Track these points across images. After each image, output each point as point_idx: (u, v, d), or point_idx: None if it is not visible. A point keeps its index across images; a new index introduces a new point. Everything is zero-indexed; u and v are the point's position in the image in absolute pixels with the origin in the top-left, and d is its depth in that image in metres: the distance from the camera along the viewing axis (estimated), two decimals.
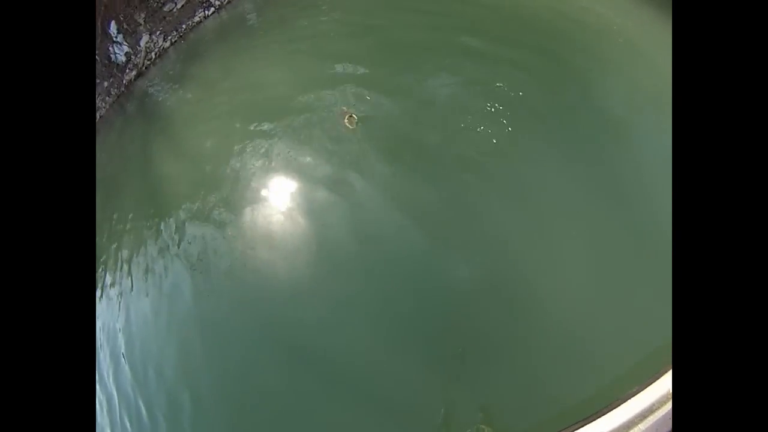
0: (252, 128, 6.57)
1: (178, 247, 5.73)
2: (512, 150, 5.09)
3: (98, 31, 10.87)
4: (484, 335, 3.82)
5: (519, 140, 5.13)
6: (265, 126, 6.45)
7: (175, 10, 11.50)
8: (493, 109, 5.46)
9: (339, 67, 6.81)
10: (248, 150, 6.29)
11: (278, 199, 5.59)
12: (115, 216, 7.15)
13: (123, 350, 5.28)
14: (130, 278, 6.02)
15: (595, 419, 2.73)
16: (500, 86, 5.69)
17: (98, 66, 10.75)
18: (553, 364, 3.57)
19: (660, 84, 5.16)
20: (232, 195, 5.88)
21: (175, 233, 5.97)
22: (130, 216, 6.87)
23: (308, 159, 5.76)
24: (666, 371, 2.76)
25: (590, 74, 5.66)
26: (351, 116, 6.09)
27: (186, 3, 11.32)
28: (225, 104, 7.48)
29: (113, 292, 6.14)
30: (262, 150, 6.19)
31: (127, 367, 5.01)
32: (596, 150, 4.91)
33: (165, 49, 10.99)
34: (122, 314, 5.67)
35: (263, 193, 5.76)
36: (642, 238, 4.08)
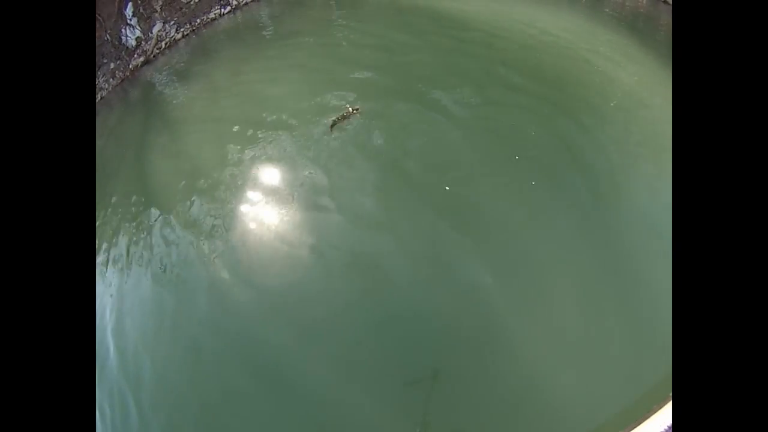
0: (249, 136, 6.69)
1: (151, 251, 5.78)
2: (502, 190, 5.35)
3: (114, 10, 10.93)
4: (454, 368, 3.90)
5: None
6: (262, 137, 6.59)
7: (192, 2, 11.64)
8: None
9: (344, 90, 7.01)
10: (240, 158, 6.42)
11: (261, 211, 5.72)
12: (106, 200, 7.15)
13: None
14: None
15: None
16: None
17: (107, 46, 10.76)
18: (516, 408, 3.64)
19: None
20: (219, 201, 5.97)
21: (156, 229, 6.03)
22: (118, 205, 6.87)
23: (296, 175, 5.94)
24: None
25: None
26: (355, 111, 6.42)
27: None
28: (227, 108, 7.58)
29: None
30: (254, 160, 6.34)
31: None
32: (589, 200, 5.12)
33: (176, 41, 11.08)
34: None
35: (245, 205, 5.87)
36: (626, 292, 4.21)
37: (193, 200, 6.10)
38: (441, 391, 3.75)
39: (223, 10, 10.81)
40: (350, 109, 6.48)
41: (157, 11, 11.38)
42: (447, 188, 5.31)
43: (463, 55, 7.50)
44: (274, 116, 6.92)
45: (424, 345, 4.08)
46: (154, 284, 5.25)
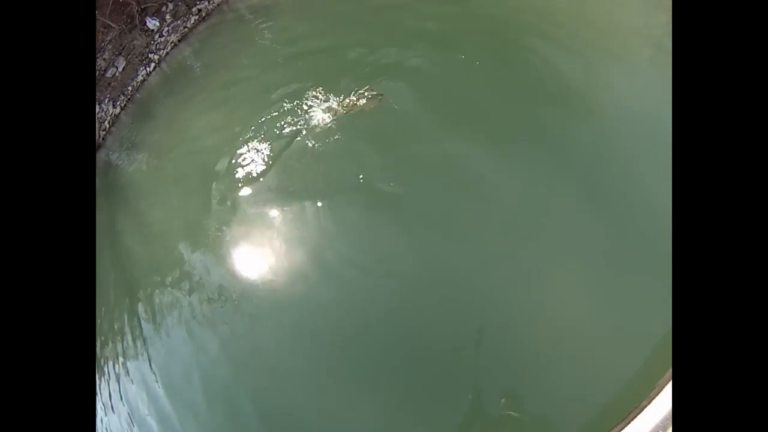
0: (209, 189, 6.53)
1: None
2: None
3: None
4: None
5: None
6: (222, 187, 6.44)
7: (117, 74, 11.23)
8: None
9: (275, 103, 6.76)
10: (207, 220, 6.25)
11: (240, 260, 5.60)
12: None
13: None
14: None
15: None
16: None
17: None
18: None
19: None
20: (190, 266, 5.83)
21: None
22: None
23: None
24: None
25: None
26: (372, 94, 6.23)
27: (127, 65, 11.07)
28: (183, 166, 7.32)
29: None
30: (222, 216, 6.15)
31: None
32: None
33: (117, 116, 10.72)
34: None
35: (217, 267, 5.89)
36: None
37: (165, 275, 6.01)
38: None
39: (147, 68, 10.38)
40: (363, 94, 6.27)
41: None
42: None
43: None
44: (227, 160, 6.67)
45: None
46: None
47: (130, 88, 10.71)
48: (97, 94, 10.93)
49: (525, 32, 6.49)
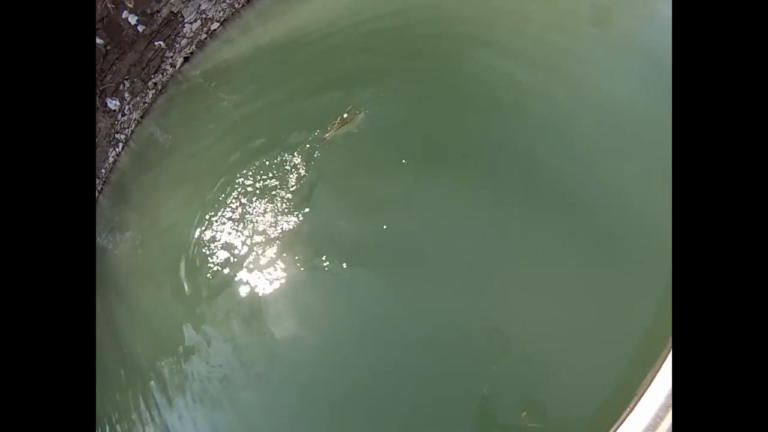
0: (196, 270, 6.56)
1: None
2: None
3: None
4: None
5: None
6: (210, 265, 6.46)
7: None
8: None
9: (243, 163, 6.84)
10: (198, 299, 6.26)
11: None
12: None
13: None
14: None
15: None
16: None
17: None
18: None
19: None
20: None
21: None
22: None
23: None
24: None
25: None
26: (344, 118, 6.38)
27: (96, 148, 11.17)
28: (158, 244, 7.40)
29: None
30: (212, 295, 6.19)
31: None
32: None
33: (96, 201, 10.79)
34: None
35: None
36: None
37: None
38: None
39: (116, 149, 10.47)
40: (343, 116, 6.46)
41: None
42: None
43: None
44: (203, 230, 6.71)
45: None
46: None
47: (103, 171, 10.78)
48: None
49: (464, 45, 6.61)
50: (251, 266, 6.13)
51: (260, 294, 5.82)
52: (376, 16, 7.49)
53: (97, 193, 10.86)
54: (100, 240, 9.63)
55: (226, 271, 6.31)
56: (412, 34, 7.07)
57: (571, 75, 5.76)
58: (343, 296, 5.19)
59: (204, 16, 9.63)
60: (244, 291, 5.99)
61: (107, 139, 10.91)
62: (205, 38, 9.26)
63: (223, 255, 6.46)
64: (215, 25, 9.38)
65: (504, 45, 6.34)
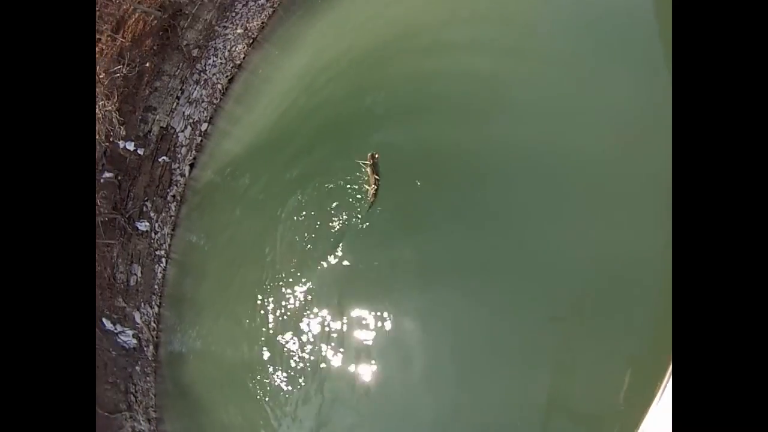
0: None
1: None
2: None
3: (97, 332, 11.54)
4: None
5: None
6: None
7: (139, 279, 12.19)
8: None
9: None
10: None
11: None
12: None
13: None
14: None
15: None
16: None
17: (119, 361, 11.29)
18: None
19: None
20: None
21: None
22: None
23: None
24: None
25: None
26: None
27: (143, 269, 12.03)
28: (225, 347, 8.04)
29: None
30: None
31: None
32: None
33: (158, 314, 11.59)
34: None
35: None
36: None
37: None
38: None
39: (161, 265, 11.25)
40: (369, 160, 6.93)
41: (124, 305, 11.98)
42: None
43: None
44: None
45: None
46: None
47: (156, 287, 11.63)
48: (131, 302, 11.88)
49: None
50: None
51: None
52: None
53: (157, 308, 11.71)
54: (172, 348, 10.39)
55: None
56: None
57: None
58: None
59: (191, 120, 10.36)
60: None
61: (150, 258, 11.77)
62: (201, 140, 9.96)
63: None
64: (205, 126, 10.09)
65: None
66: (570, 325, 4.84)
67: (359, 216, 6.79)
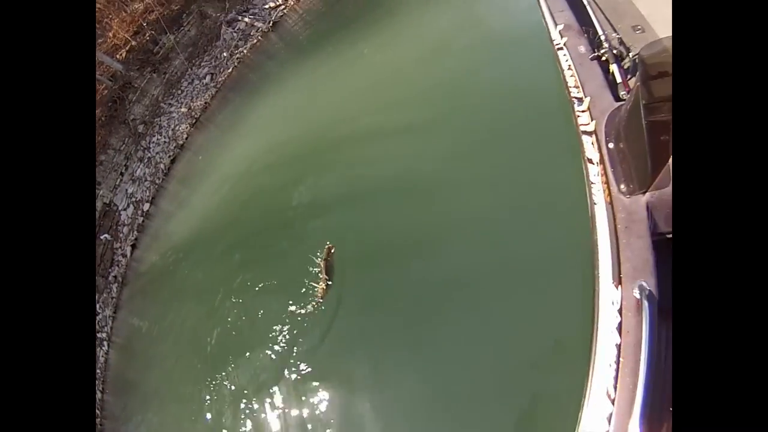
0: None
1: None
2: None
3: None
4: None
5: None
6: None
7: None
8: None
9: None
10: None
11: None
12: None
13: None
14: None
15: None
16: None
17: None
18: None
19: None
20: None
21: None
22: None
23: None
24: None
25: None
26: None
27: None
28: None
29: None
30: None
31: None
32: None
33: (101, 401, 10.87)
34: None
35: None
36: None
37: None
38: None
39: (103, 348, 10.70)
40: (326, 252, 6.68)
41: None
42: None
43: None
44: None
45: None
46: None
47: (99, 371, 10.96)
48: None
49: None
50: None
51: None
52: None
53: (100, 393, 10.99)
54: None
55: None
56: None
57: None
58: None
59: (134, 199, 10.25)
60: None
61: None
62: (143, 220, 9.82)
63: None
64: (147, 206, 9.99)
65: None
66: None
67: (303, 310, 6.71)
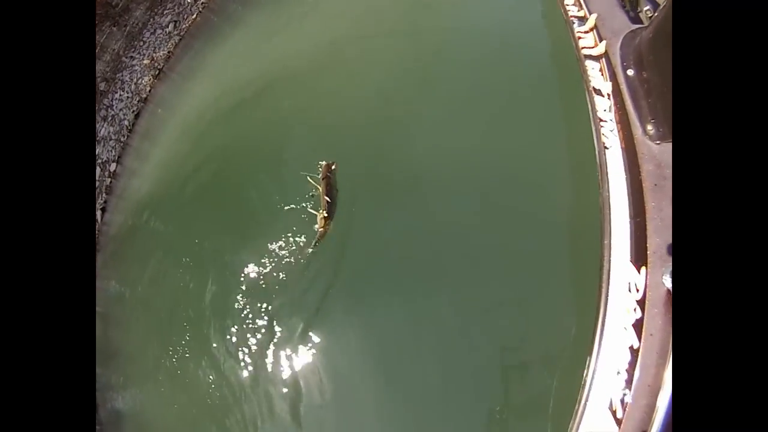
0: None
1: None
2: None
3: None
4: None
5: None
6: None
7: None
8: None
9: None
10: None
11: None
12: None
13: None
14: None
15: None
16: None
17: None
18: None
19: None
20: None
21: None
22: None
23: None
24: None
25: None
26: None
27: None
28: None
29: None
30: None
31: None
32: None
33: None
34: None
35: None
36: None
37: None
38: None
39: None
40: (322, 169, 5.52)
41: None
42: None
43: None
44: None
45: None
46: None
47: None
48: None
49: None
50: None
51: None
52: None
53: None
54: (112, 407, 9.52)
55: None
56: None
57: None
58: None
59: (99, 160, 9.62)
60: None
61: None
62: (111, 181, 9.24)
63: None
64: (113, 166, 9.38)
65: None
66: None
67: (299, 254, 5.99)
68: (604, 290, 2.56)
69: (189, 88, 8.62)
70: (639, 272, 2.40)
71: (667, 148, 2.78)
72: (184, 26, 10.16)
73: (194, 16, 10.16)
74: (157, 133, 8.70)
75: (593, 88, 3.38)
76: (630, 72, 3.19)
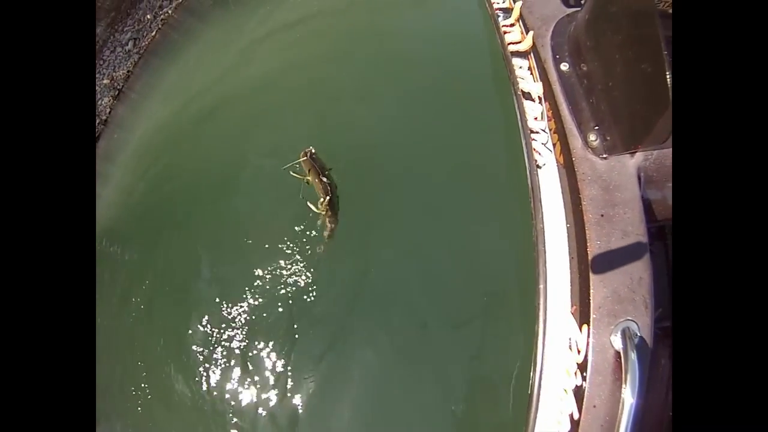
0: None
1: None
2: None
3: None
4: None
5: None
6: None
7: None
8: None
9: None
10: None
11: None
12: None
13: None
14: None
15: None
16: None
17: None
18: None
19: None
20: None
21: None
22: None
23: None
24: None
25: None
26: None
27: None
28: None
29: None
30: None
31: None
32: None
33: None
34: None
35: None
36: None
37: None
38: None
39: None
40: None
41: None
42: None
43: None
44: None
45: None
46: None
47: None
48: None
49: None
50: None
51: None
52: None
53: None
54: None
55: None
56: None
57: None
58: None
59: None
60: None
61: None
62: None
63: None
64: None
65: None
66: None
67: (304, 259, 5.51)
68: (540, 343, 2.13)
69: (148, 107, 8.40)
70: (581, 330, 1.90)
71: (618, 163, 2.16)
72: (143, 44, 9.96)
73: (154, 33, 9.97)
74: (119, 156, 8.46)
75: (522, 91, 2.75)
76: (564, 66, 2.59)
